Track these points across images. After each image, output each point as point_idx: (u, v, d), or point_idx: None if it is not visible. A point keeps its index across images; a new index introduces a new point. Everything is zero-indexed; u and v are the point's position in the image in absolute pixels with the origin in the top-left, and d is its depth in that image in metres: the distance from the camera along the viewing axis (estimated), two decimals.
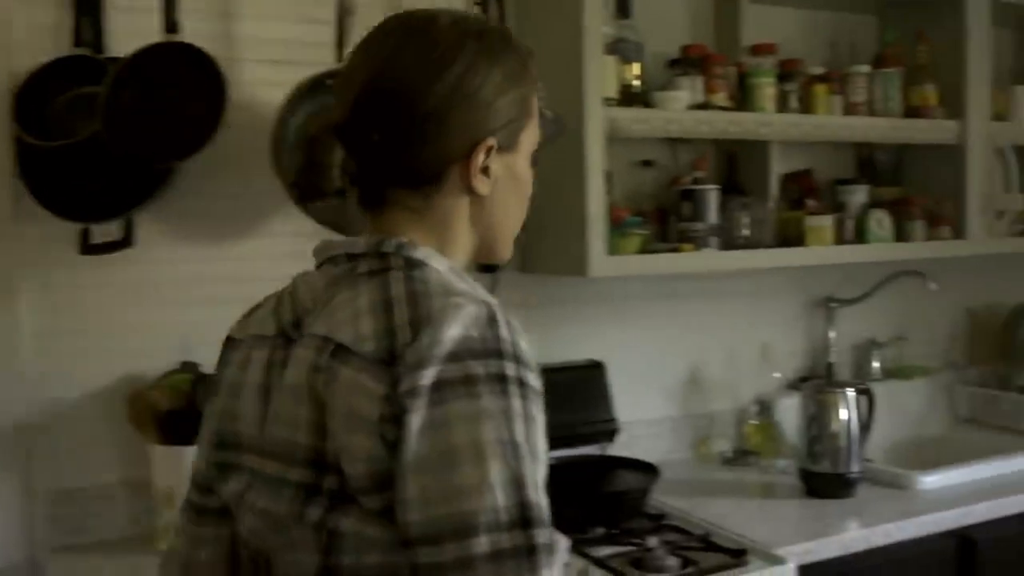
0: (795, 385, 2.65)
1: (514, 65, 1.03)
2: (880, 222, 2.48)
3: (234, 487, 1.03)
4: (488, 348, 0.89)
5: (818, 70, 2.46)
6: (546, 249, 2.18)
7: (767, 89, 2.32)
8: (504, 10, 1.97)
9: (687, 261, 2.17)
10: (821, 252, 2.36)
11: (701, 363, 2.55)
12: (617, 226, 2.16)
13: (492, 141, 1.01)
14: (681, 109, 2.18)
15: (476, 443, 0.85)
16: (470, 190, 1.02)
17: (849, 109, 2.45)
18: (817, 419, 2.19)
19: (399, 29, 1.02)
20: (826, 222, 2.38)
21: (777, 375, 2.56)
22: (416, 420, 0.85)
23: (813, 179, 2.57)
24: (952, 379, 2.86)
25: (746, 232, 2.28)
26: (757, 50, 2.41)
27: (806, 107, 2.41)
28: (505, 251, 1.10)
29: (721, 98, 2.28)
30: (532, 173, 1.08)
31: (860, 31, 2.69)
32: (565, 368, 2.25)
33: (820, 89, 2.40)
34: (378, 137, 0.98)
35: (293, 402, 0.94)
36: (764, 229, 2.31)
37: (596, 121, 2.02)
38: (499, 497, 0.84)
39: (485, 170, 1.01)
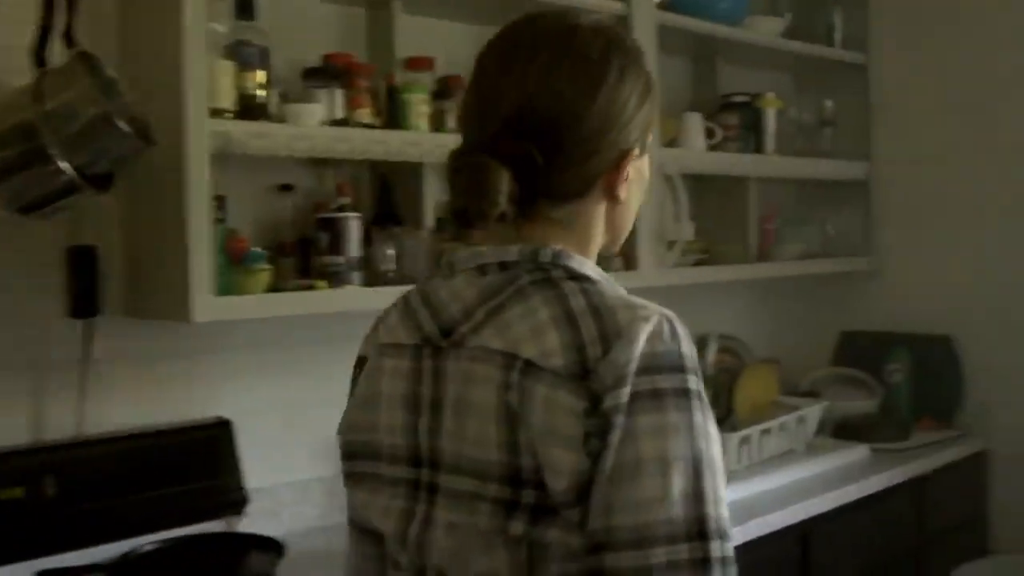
0: None
1: (644, 73, 1.04)
2: None
3: (369, 498, 1.02)
4: (673, 362, 0.91)
5: None
6: (152, 289, 1.82)
7: (420, 106, 2.08)
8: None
9: (319, 301, 1.88)
10: None
11: None
12: (238, 260, 1.85)
13: (636, 150, 1.04)
14: (314, 124, 1.90)
15: (662, 457, 0.87)
16: (612, 197, 1.04)
17: None
18: None
19: (544, 42, 1.01)
20: None
21: None
22: (615, 435, 0.87)
23: None
24: None
25: (393, 266, 2.03)
26: (412, 64, 2.18)
27: None
28: (619, 246, 1.12)
29: (366, 114, 2.02)
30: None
31: None
32: (181, 430, 1.89)
33: None
34: (535, 159, 0.97)
35: (480, 420, 0.92)
36: (416, 262, 2.07)
37: (199, 134, 1.69)
38: (679, 510, 0.86)
39: (625, 177, 1.04)
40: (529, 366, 0.90)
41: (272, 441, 2.12)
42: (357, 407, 1.05)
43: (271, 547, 1.78)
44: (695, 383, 0.91)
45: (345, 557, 1.12)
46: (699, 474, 0.88)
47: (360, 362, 1.09)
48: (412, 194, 2.15)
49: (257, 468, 2.05)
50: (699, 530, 0.87)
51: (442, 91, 2.17)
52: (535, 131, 0.97)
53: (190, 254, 1.68)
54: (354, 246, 1.97)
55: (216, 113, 1.76)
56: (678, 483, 0.86)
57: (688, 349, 0.92)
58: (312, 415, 2.20)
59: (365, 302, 1.96)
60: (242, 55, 1.85)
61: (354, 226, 1.97)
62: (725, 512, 0.89)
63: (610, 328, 0.90)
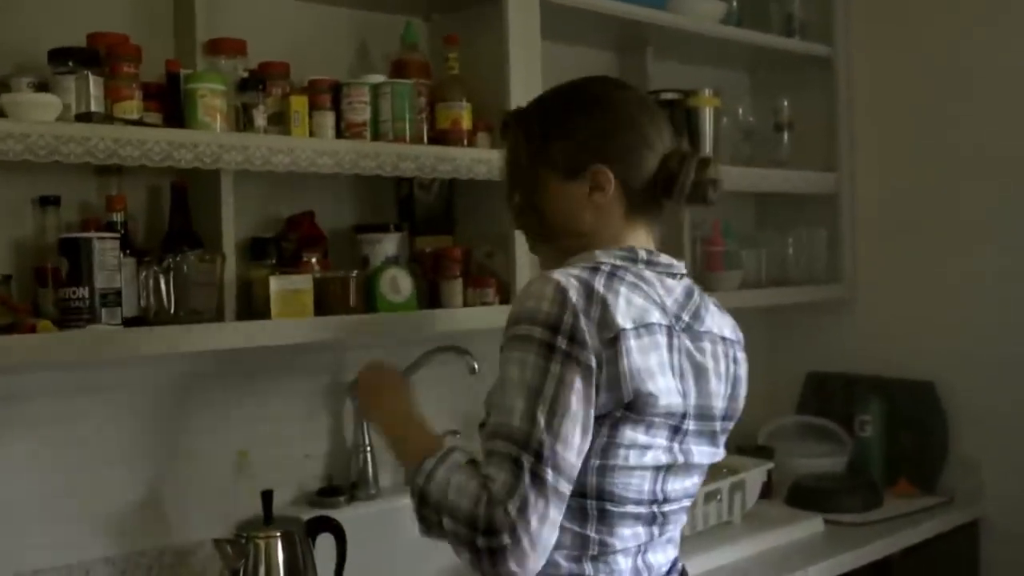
0: (315, 501, 2.00)
1: None
2: (395, 283, 1.86)
3: (652, 441, 1.27)
4: None
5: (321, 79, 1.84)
6: None
7: (212, 99, 1.66)
8: None
9: (39, 346, 1.45)
10: (287, 327, 1.70)
11: (164, 479, 1.84)
12: None
13: None
14: (48, 119, 1.48)
15: None
16: None
17: (348, 130, 1.83)
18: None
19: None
20: (303, 285, 1.73)
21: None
22: None
23: (316, 224, 1.93)
24: None
25: (163, 301, 1.60)
26: (214, 48, 1.76)
27: (288, 126, 1.77)
28: None
29: (131, 107, 1.60)
30: None
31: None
32: None
33: (298, 102, 1.77)
34: None
35: (718, 381, 1.34)
36: (202, 295, 1.63)
37: None
38: None
39: None
40: (737, 344, 1.41)
41: (45, 516, 1.70)
42: (653, 372, 1.24)
43: None
44: None
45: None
46: None
47: (617, 337, 1.21)
48: (212, 208, 1.72)
49: (19, 548, 1.66)
50: None
51: (253, 81, 1.75)
52: None
53: None
54: (106, 275, 1.54)
55: None
56: None
57: None
58: (101, 482, 1.77)
59: (112, 349, 1.52)
60: None
61: (105, 249, 1.54)
62: None
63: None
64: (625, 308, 1.23)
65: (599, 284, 1.23)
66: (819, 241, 2.67)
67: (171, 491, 1.84)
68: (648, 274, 1.31)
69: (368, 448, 2.03)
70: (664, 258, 1.35)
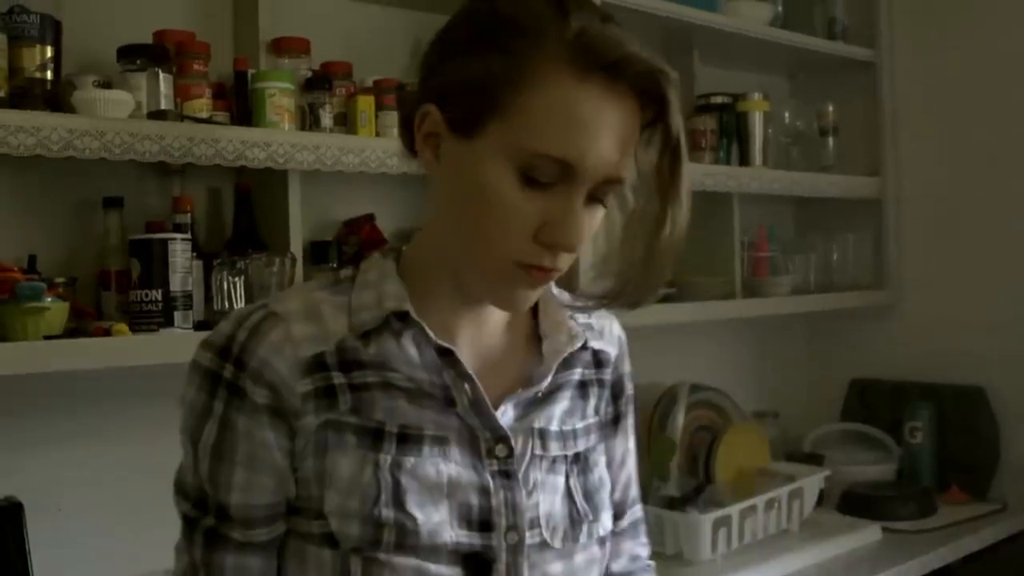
0: None
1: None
2: None
3: None
4: None
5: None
6: None
7: (280, 98, 1.62)
8: None
9: (115, 350, 1.40)
10: None
11: None
12: (8, 296, 1.38)
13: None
14: (121, 117, 1.44)
15: None
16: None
17: None
18: None
19: None
20: None
21: None
22: None
23: (377, 228, 1.89)
24: None
25: (236, 304, 1.55)
26: (279, 46, 1.73)
27: (353, 126, 1.74)
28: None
29: (202, 106, 1.56)
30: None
31: None
32: None
33: (364, 102, 1.73)
34: None
35: None
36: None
37: None
38: None
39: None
40: None
41: (99, 526, 1.65)
42: None
43: None
44: None
45: None
46: None
47: None
48: (277, 210, 1.68)
49: (71, 559, 1.59)
50: None
51: (319, 80, 1.71)
52: None
53: None
54: (179, 278, 1.49)
55: None
56: None
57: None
58: (158, 491, 1.72)
59: (187, 353, 1.47)
60: (18, 26, 1.40)
61: (178, 251, 1.49)
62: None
63: None
64: None
65: None
66: (863, 246, 2.64)
67: None
68: None
69: None
70: None
